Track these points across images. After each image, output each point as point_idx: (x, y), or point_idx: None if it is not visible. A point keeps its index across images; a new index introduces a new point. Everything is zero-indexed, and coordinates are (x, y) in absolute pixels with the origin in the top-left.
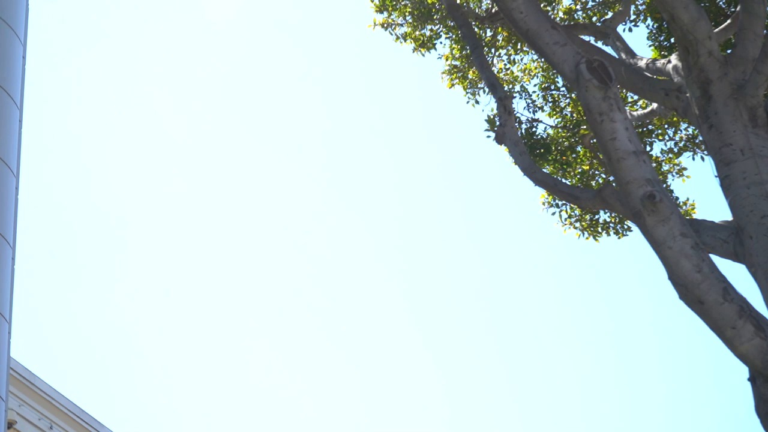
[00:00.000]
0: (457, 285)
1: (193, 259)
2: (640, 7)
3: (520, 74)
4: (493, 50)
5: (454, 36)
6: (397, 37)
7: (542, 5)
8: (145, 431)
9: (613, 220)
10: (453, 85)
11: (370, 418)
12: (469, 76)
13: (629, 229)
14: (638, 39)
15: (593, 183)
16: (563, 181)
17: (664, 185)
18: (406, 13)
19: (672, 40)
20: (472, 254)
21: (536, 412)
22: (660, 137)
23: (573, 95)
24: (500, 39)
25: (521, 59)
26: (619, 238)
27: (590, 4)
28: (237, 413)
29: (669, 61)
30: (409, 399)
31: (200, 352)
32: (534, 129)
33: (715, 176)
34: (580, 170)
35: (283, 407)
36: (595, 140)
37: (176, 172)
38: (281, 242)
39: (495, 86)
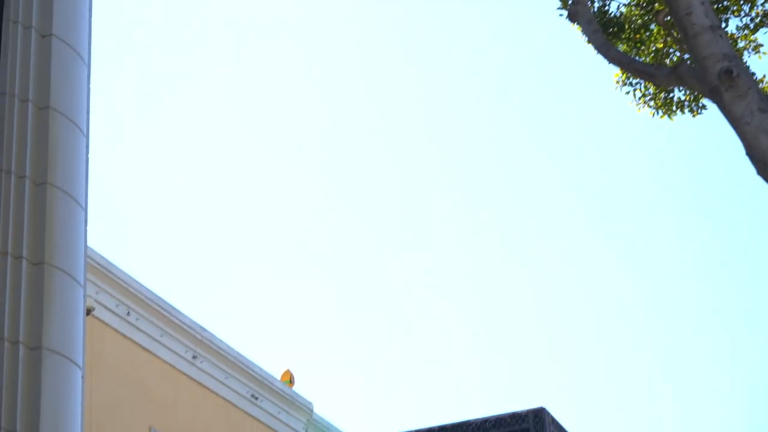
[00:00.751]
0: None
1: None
2: None
3: None
4: None
5: None
6: None
7: None
8: (219, 319)
9: (687, 98)
10: None
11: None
12: None
13: (704, 107)
14: None
15: (667, 61)
16: (637, 59)
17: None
18: None
19: None
20: (546, 143)
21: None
22: (736, 13)
23: None
24: None
25: None
26: (693, 116)
27: None
28: None
29: None
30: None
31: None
32: (607, 7)
33: None
34: (654, 48)
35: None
36: (669, 17)
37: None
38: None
39: None
